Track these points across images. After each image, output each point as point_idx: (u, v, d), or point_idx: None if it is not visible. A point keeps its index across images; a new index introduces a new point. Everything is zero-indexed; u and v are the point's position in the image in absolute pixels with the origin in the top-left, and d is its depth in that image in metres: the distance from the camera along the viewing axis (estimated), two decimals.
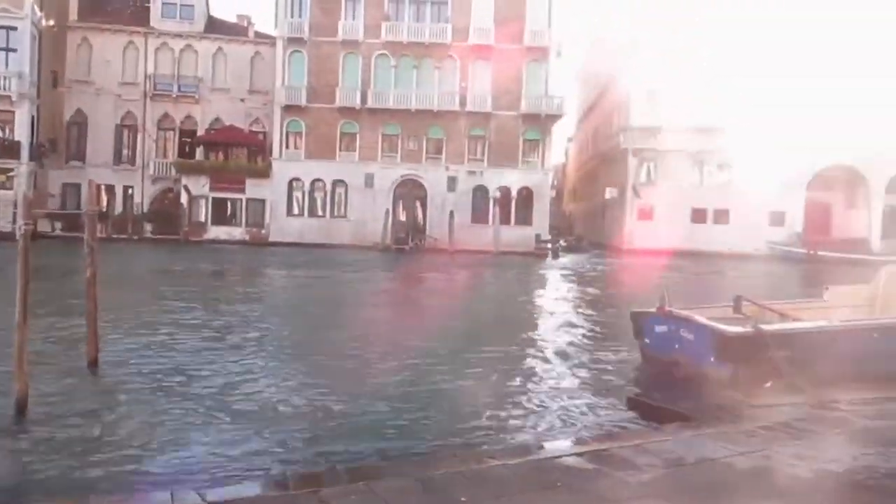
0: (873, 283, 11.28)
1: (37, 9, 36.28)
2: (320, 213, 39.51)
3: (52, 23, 38.07)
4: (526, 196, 38.89)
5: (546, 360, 10.91)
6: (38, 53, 37.02)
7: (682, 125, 38.91)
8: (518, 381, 9.58)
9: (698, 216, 39.25)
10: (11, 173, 35.24)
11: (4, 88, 35.20)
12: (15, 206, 33.68)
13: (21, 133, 35.72)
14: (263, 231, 38.74)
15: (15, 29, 35.55)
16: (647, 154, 39.88)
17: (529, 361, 10.85)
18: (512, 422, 7.75)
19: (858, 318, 10.23)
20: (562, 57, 40.71)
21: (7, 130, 35.87)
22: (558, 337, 13.10)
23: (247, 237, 38.31)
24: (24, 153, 35.60)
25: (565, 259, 35.30)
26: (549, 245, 36.64)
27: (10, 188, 34.99)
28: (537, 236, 37.52)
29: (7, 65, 35.68)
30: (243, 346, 11.39)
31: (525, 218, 38.68)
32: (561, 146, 71.02)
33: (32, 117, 36.40)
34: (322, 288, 21.27)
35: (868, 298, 11.17)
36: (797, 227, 38.87)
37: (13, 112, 35.60)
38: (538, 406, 8.38)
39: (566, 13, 44.67)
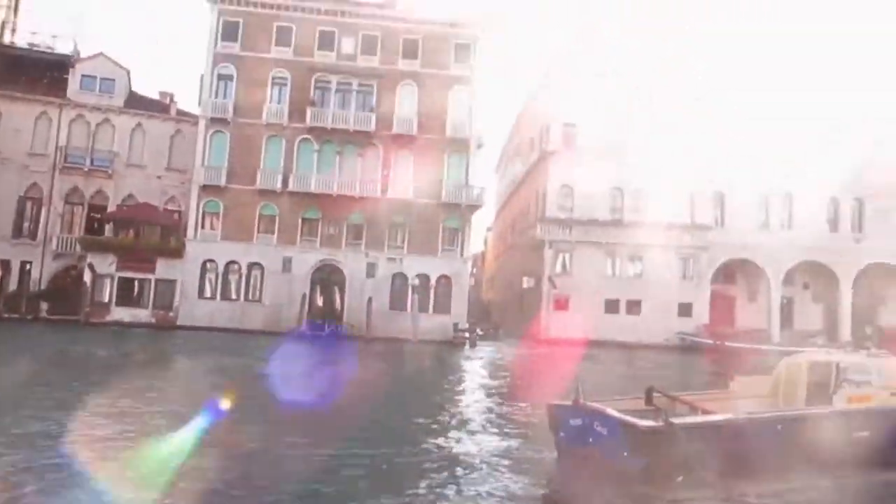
0: (775, 373, 11.70)
1: None
2: (234, 296, 38.27)
3: None
4: (445, 284, 38.99)
5: (460, 456, 10.56)
6: None
7: (596, 218, 40.75)
8: (431, 482, 9.17)
9: (611, 307, 40.33)
10: None
11: None
12: None
13: None
14: (171, 314, 37.09)
15: None
16: (562, 245, 41.09)
17: (443, 459, 10.45)
18: None
19: (763, 409, 10.51)
20: (482, 148, 42.08)
21: None
22: (473, 430, 12.79)
23: (153, 320, 36.58)
24: None
25: (483, 348, 35.22)
26: (467, 334, 36.58)
27: None
28: (455, 325, 37.42)
29: None
30: (132, 447, 10.47)
31: (444, 306, 38.63)
32: (480, 235, 72.54)
33: None
34: (229, 377, 20.22)
35: (771, 389, 11.55)
36: (704, 318, 40.44)
37: None
38: None
39: (487, 106, 46.53)
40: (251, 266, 38.32)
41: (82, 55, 41.26)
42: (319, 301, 38.54)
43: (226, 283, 38.27)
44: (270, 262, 38.29)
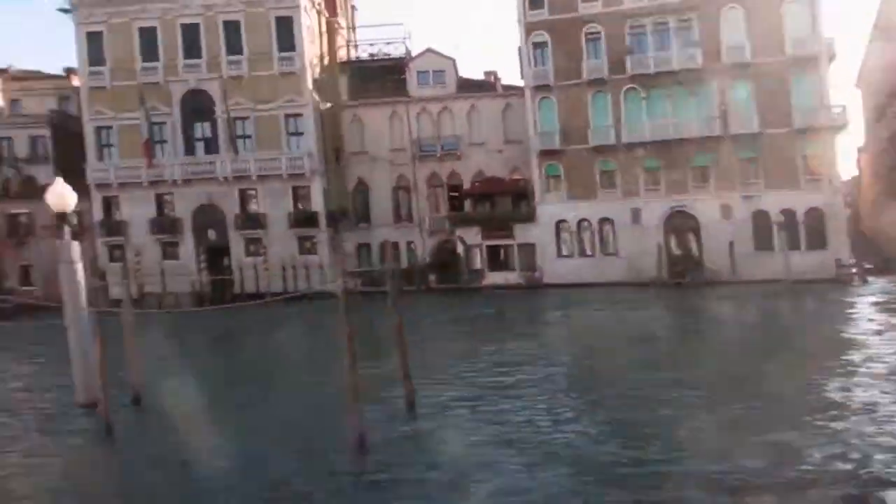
0: None
1: (315, 95, 41.03)
2: (589, 252, 39.47)
3: (329, 105, 42.77)
4: (815, 217, 35.74)
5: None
6: (321, 133, 41.67)
7: None
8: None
9: None
10: (315, 239, 40.25)
11: (299, 167, 40.12)
12: (321, 267, 38.24)
13: (317, 204, 40.52)
14: (537, 274, 39.52)
15: (300, 115, 40.65)
16: None
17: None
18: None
19: None
20: (836, 61, 37.43)
21: (305, 203, 40.80)
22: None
23: (522, 281, 39.31)
24: (322, 221, 40.32)
25: (878, 285, 31.47)
26: (854, 269, 32.92)
27: (315, 253, 39.94)
28: (838, 260, 34.08)
29: (298, 146, 40.73)
30: (549, 390, 11.96)
31: (817, 241, 35.46)
32: (851, 158, 64.83)
33: (324, 189, 40.96)
34: (613, 327, 21.05)
35: None
36: None
37: (309, 187, 40.54)
38: None
39: (835, 11, 40.97)
40: (601, 221, 39.16)
41: (413, 54, 45.42)
42: (676, 249, 38.04)
43: (580, 240, 39.62)
44: (619, 215, 38.70)
